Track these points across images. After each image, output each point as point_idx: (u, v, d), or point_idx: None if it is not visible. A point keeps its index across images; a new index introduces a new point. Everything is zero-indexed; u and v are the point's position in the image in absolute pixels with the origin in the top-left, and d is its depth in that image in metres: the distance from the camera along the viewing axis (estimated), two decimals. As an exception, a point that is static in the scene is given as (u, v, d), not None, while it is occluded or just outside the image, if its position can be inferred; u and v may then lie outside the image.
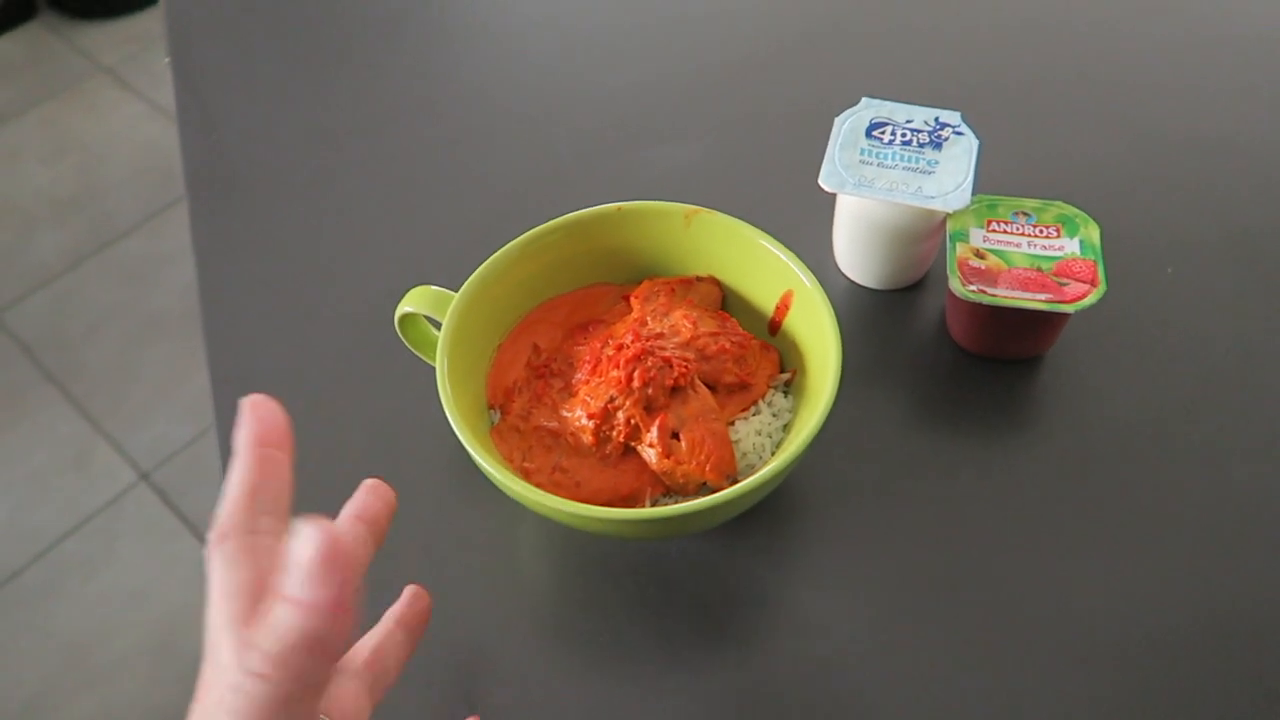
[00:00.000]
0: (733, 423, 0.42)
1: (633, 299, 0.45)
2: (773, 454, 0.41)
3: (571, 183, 0.58)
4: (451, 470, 0.45)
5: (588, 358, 0.42)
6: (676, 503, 0.39)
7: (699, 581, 0.42)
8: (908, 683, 0.39)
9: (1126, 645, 0.40)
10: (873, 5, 0.68)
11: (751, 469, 0.41)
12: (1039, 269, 0.46)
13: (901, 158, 0.48)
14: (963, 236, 0.47)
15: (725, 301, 0.46)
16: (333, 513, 0.35)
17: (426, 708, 0.40)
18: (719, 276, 0.46)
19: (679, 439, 0.39)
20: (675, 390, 0.40)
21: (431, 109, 0.62)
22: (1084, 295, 0.44)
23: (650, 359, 0.40)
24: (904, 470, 0.45)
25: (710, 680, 0.40)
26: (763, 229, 0.44)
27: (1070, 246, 0.47)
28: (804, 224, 0.52)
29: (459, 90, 0.63)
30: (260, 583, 0.25)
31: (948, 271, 0.45)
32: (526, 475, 0.40)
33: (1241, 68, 0.62)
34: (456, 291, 0.42)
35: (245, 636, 0.24)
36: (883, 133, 0.49)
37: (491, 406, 0.43)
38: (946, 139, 0.48)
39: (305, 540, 0.20)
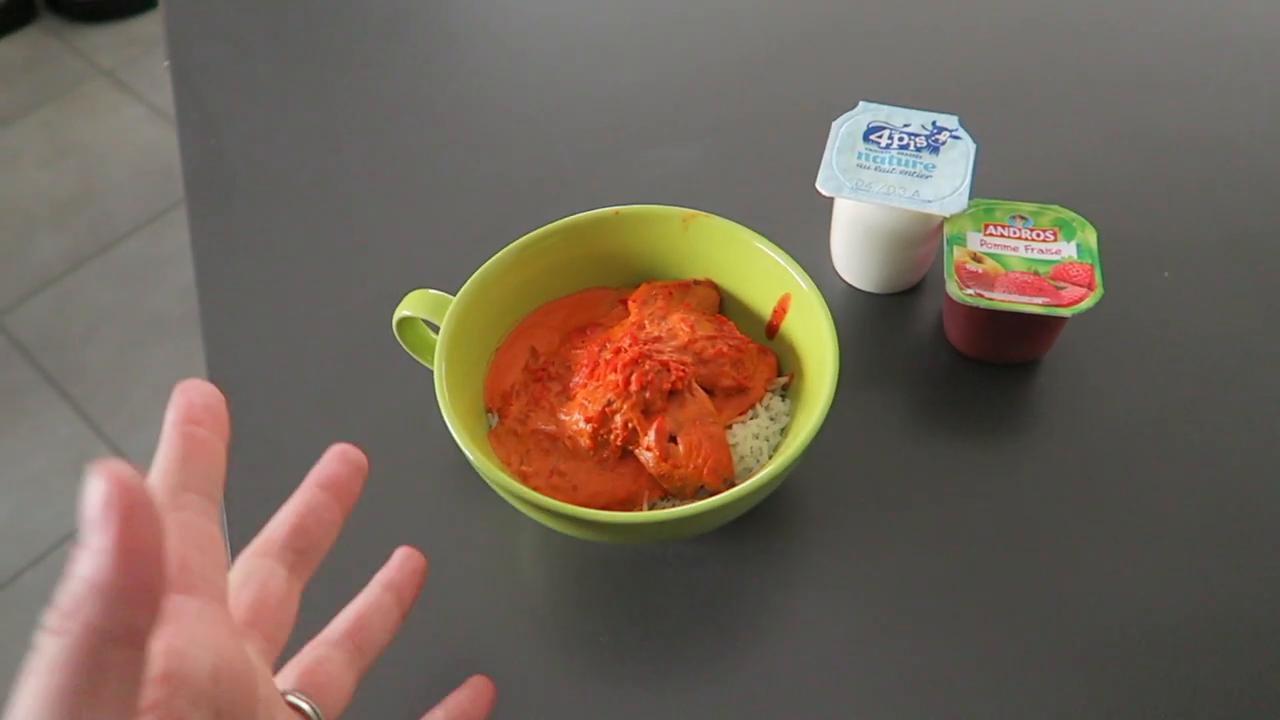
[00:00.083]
0: (730, 426, 0.42)
1: (630, 302, 0.45)
2: (770, 458, 0.41)
3: (569, 186, 0.58)
4: (449, 473, 0.46)
5: (585, 361, 0.42)
6: (674, 506, 0.40)
7: (697, 585, 0.42)
8: (907, 686, 0.40)
9: (1126, 647, 0.40)
10: (870, 9, 0.68)
11: (749, 472, 0.41)
12: (1036, 273, 0.46)
13: (899, 162, 0.48)
14: (960, 240, 0.47)
15: (723, 305, 0.46)
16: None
17: (424, 710, 0.40)
18: (716, 280, 0.46)
19: (676, 442, 0.39)
20: (673, 394, 0.40)
21: (430, 112, 0.62)
22: (1081, 299, 0.44)
23: (648, 362, 0.40)
24: (901, 474, 0.45)
25: (708, 683, 0.40)
26: (760, 233, 0.44)
27: (1067, 250, 0.47)
28: (801, 228, 0.52)
29: (457, 93, 0.64)
30: (188, 553, 0.24)
31: (945, 275, 0.46)
32: (524, 479, 0.40)
33: (1238, 70, 0.63)
34: (454, 295, 0.42)
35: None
36: (880, 137, 0.49)
37: (489, 410, 0.43)
38: (943, 143, 0.48)
39: (89, 486, 0.19)
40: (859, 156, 0.48)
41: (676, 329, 0.42)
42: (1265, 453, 0.46)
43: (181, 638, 0.23)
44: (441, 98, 0.63)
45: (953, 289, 0.45)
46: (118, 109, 1.78)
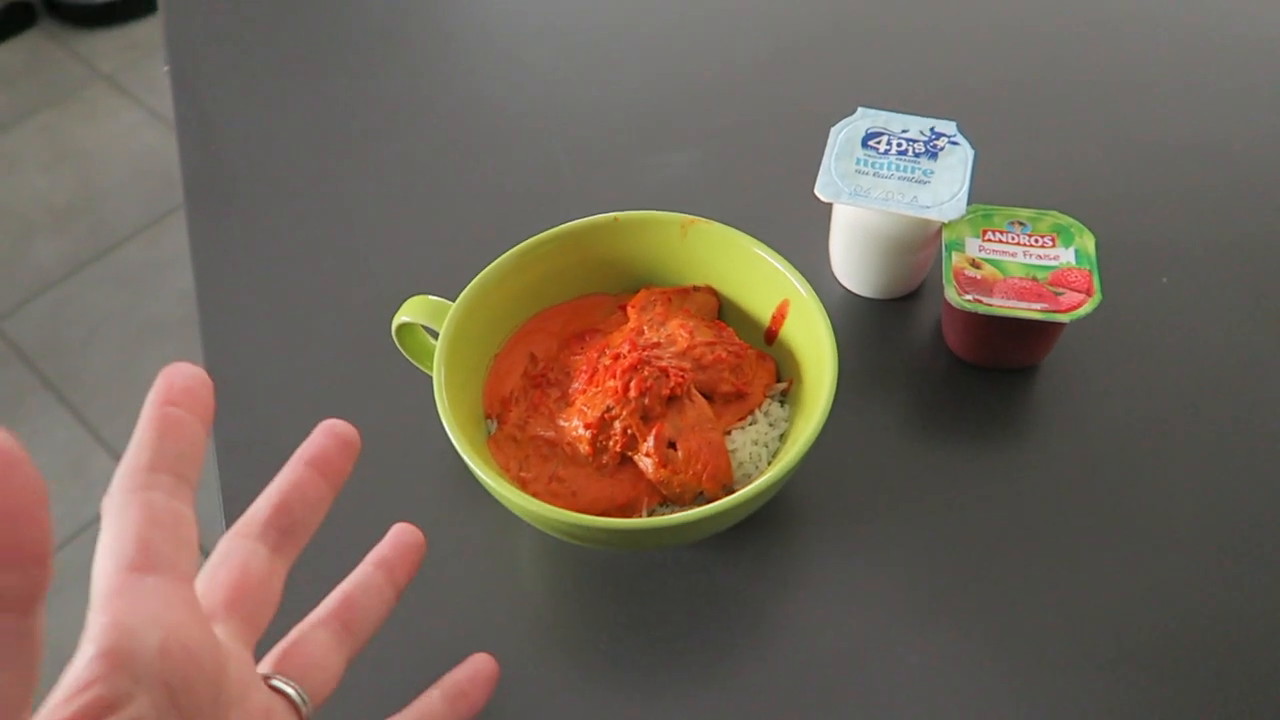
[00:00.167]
0: (729, 432, 0.42)
1: (629, 308, 0.45)
2: (769, 463, 0.41)
3: (567, 192, 0.58)
4: (447, 479, 0.46)
5: (584, 367, 0.42)
6: (673, 512, 0.40)
7: (695, 590, 0.42)
8: (906, 691, 0.39)
9: (1125, 653, 0.40)
10: (868, 15, 0.68)
11: (748, 478, 0.41)
12: (1034, 278, 0.46)
13: (897, 167, 0.48)
14: (958, 246, 0.47)
15: (721, 311, 0.46)
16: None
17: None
18: (715, 286, 0.46)
19: (676, 448, 0.39)
20: (672, 400, 0.40)
21: (428, 117, 0.63)
22: (1079, 305, 0.44)
23: (647, 368, 0.40)
24: (900, 479, 0.45)
25: (706, 689, 0.40)
26: (759, 238, 0.44)
27: (1065, 256, 0.47)
28: (800, 233, 0.52)
29: (456, 98, 0.64)
30: (150, 530, 0.23)
31: (944, 281, 0.46)
32: (523, 485, 0.40)
33: (1237, 75, 0.63)
34: (453, 301, 0.42)
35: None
36: (878, 142, 0.49)
37: (488, 416, 0.43)
38: (942, 149, 0.49)
39: None
40: (857, 162, 0.48)
41: (675, 335, 0.42)
42: (1264, 456, 0.46)
43: (128, 613, 0.22)
44: (440, 103, 0.63)
45: (951, 295, 0.45)
46: (117, 113, 1.78)
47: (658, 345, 0.42)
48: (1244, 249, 0.54)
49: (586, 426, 0.40)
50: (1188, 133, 0.59)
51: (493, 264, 0.43)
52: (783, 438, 0.42)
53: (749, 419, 0.42)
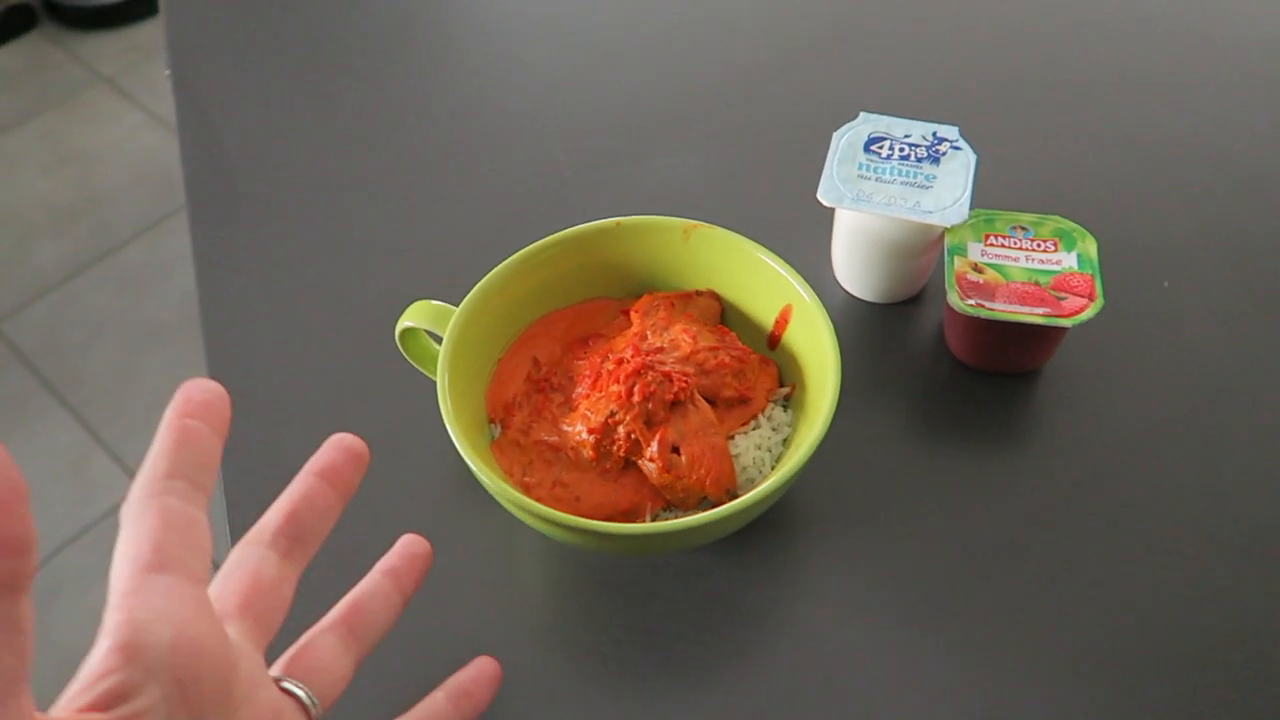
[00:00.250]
0: (732, 437, 0.42)
1: (632, 313, 0.45)
2: (773, 468, 0.41)
3: (570, 197, 0.58)
4: (450, 483, 0.46)
5: (588, 372, 0.42)
6: (677, 517, 0.40)
7: (698, 595, 0.42)
8: (907, 697, 0.40)
9: (1128, 659, 0.40)
10: (870, 20, 0.68)
11: (751, 483, 0.41)
12: (1037, 283, 0.46)
13: (899, 172, 0.48)
14: (961, 251, 0.47)
15: (724, 316, 0.46)
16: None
17: None
18: (718, 290, 0.46)
19: (679, 453, 0.40)
20: (675, 405, 0.40)
21: (431, 121, 0.63)
22: (1082, 309, 0.44)
23: (650, 373, 0.40)
24: (902, 483, 0.45)
25: (709, 694, 0.40)
26: (761, 243, 0.44)
27: (1068, 260, 0.47)
28: (802, 238, 0.52)
29: (459, 102, 0.64)
30: (165, 534, 0.25)
31: (946, 286, 0.46)
32: (527, 490, 0.40)
33: (1239, 80, 0.63)
34: (457, 306, 0.42)
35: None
36: (880, 147, 0.49)
37: (492, 421, 0.43)
38: (944, 153, 0.49)
39: None
40: (860, 167, 0.48)
41: (678, 340, 0.42)
42: (1268, 460, 0.46)
43: (141, 610, 0.24)
44: (443, 106, 0.64)
45: (954, 299, 0.45)
46: (118, 116, 1.78)
47: (661, 350, 0.42)
48: (1246, 253, 0.54)
49: (590, 431, 0.40)
50: (1189, 137, 0.60)
51: (496, 269, 0.43)
52: (786, 442, 0.42)
53: (752, 424, 0.42)
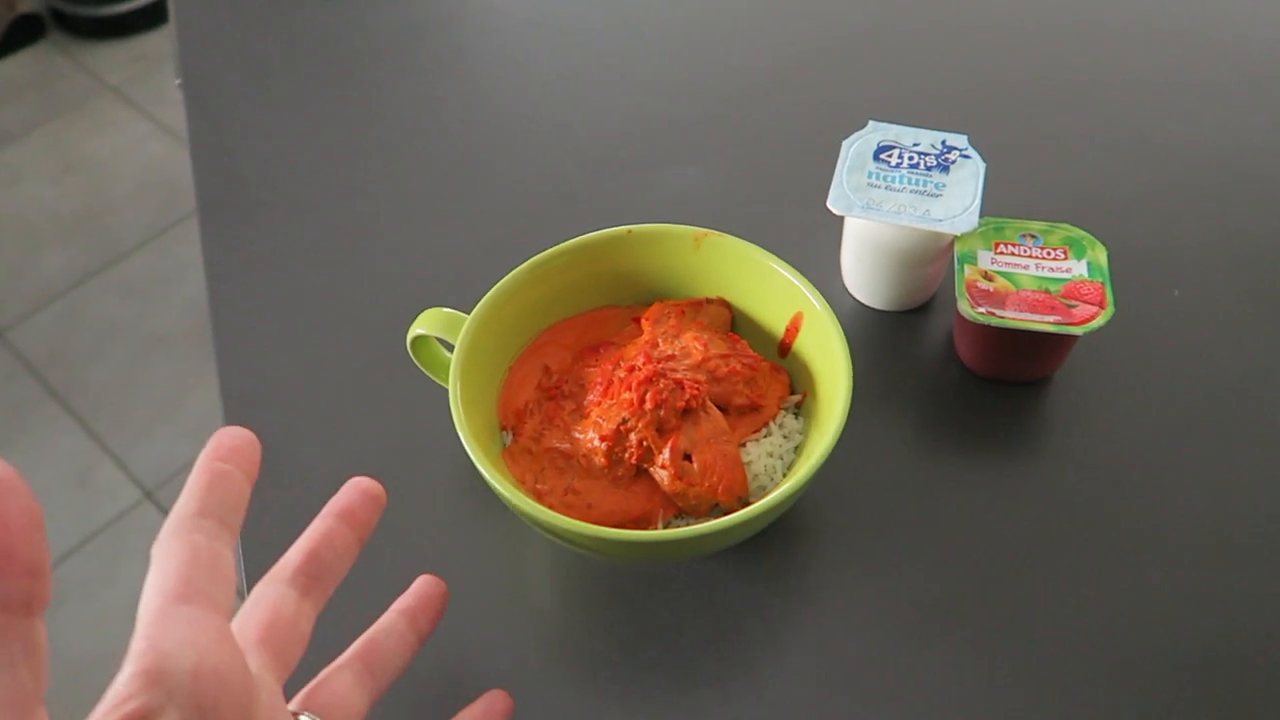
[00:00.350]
0: (744, 445, 0.42)
1: (643, 321, 0.45)
2: (784, 475, 0.41)
3: (581, 205, 0.58)
4: (461, 491, 0.46)
5: (599, 379, 0.42)
6: (689, 525, 0.40)
7: (708, 603, 0.42)
8: (921, 704, 0.39)
9: (1141, 665, 0.40)
10: (879, 29, 0.68)
11: (763, 490, 0.41)
12: (1047, 291, 0.46)
13: (909, 181, 0.48)
14: (971, 259, 0.47)
15: (735, 323, 0.46)
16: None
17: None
18: (729, 298, 0.46)
19: (691, 461, 0.40)
20: (687, 412, 0.40)
21: (442, 130, 0.63)
22: (1092, 317, 0.45)
23: (662, 381, 0.40)
24: (912, 491, 0.45)
25: (722, 703, 0.40)
26: (770, 251, 0.44)
27: (1078, 268, 0.47)
28: (811, 246, 0.52)
29: (469, 111, 0.64)
30: (192, 568, 0.26)
31: (956, 294, 0.46)
32: (539, 497, 0.40)
33: (1251, 88, 0.63)
34: (468, 313, 0.42)
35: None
36: (890, 156, 0.49)
37: (503, 428, 0.43)
38: (953, 162, 0.49)
39: None
40: (869, 175, 0.48)
41: (690, 347, 0.42)
42: (1277, 473, 0.46)
43: (165, 638, 0.25)
44: (454, 114, 0.64)
45: (964, 307, 0.45)
46: (124, 125, 1.79)
47: (672, 358, 0.42)
48: (1256, 261, 0.54)
49: (602, 439, 0.40)
50: (1199, 144, 0.60)
51: (507, 277, 0.43)
52: (797, 450, 0.42)
53: (763, 431, 0.42)
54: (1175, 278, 0.53)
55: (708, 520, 0.39)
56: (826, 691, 0.40)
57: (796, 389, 0.44)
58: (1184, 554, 0.43)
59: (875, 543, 0.44)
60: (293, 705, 0.32)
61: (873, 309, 0.52)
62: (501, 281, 0.43)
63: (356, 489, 0.34)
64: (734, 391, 0.42)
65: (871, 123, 0.51)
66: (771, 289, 0.44)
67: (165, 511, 1.30)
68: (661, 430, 0.40)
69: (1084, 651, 0.41)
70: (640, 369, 0.41)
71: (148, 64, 1.89)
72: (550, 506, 0.39)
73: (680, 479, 0.39)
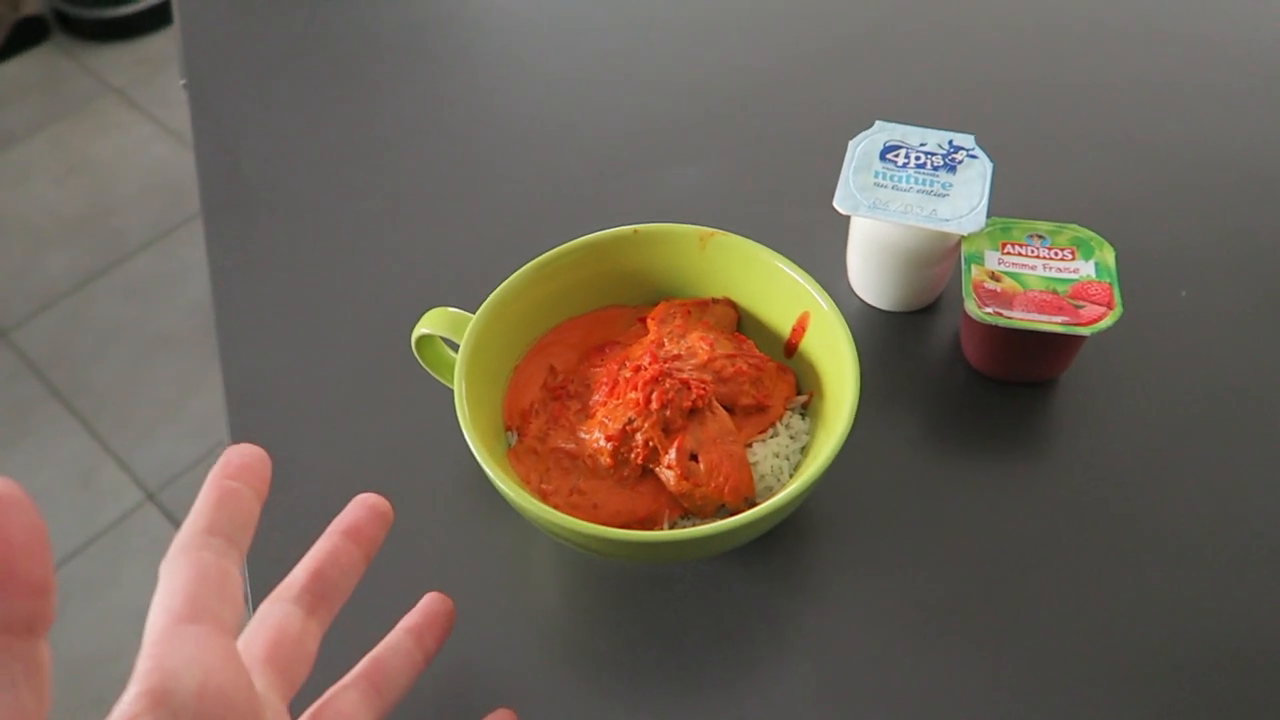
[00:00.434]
0: (750, 445, 0.41)
1: (649, 320, 0.45)
2: (791, 476, 0.41)
3: (586, 204, 0.58)
4: (465, 491, 0.45)
5: (605, 379, 0.42)
6: (694, 525, 0.39)
7: (713, 605, 0.42)
8: (925, 706, 0.39)
9: (1146, 669, 0.40)
10: (886, 29, 0.68)
11: (769, 491, 0.41)
12: (1054, 291, 0.46)
13: (916, 180, 0.48)
14: (978, 259, 0.47)
15: (741, 323, 0.46)
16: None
17: (442, 731, 0.39)
18: (735, 298, 0.46)
19: (697, 461, 0.39)
20: (693, 412, 0.40)
21: (447, 130, 0.63)
22: (1100, 318, 0.44)
23: (668, 380, 0.40)
24: (917, 493, 0.45)
25: (727, 704, 0.39)
26: (776, 251, 0.44)
27: (1085, 269, 0.47)
28: (817, 246, 0.52)
29: (475, 111, 0.64)
30: (199, 586, 0.26)
31: (963, 294, 0.46)
32: (544, 497, 0.40)
33: (1258, 88, 0.63)
34: (473, 313, 0.42)
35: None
36: (897, 156, 0.49)
37: (508, 428, 0.43)
38: (960, 162, 0.49)
39: None
40: (876, 175, 0.48)
41: (696, 347, 0.42)
42: (1286, 473, 0.45)
43: (171, 657, 0.25)
44: (459, 115, 0.64)
45: (971, 308, 0.45)
46: (128, 127, 1.79)
47: (678, 357, 0.42)
48: (1264, 262, 0.53)
49: (608, 439, 0.40)
50: (1207, 145, 0.59)
51: (512, 276, 0.43)
52: (803, 450, 0.42)
53: (770, 432, 0.42)
54: (1182, 279, 0.53)
55: (714, 521, 0.39)
56: (831, 693, 0.40)
57: (803, 389, 0.44)
58: (1190, 555, 0.43)
59: (881, 544, 0.44)
60: None
61: (878, 309, 0.52)
62: (507, 281, 0.43)
63: (363, 506, 0.34)
64: (740, 392, 0.42)
65: (878, 122, 0.51)
66: (778, 289, 0.44)
67: (168, 513, 1.30)
68: (667, 430, 0.40)
69: (1090, 653, 0.40)
70: (646, 369, 0.40)
71: (152, 66, 1.89)
72: (555, 507, 0.38)
73: (686, 479, 0.39)
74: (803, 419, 0.43)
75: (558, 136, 0.62)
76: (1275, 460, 0.46)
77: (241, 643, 0.30)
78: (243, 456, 0.29)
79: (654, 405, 0.39)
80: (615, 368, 0.42)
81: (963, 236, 0.47)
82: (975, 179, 0.48)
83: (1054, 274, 0.47)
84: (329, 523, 0.34)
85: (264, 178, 0.60)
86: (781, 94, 0.64)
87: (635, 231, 0.45)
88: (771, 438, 0.42)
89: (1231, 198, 0.57)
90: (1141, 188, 0.57)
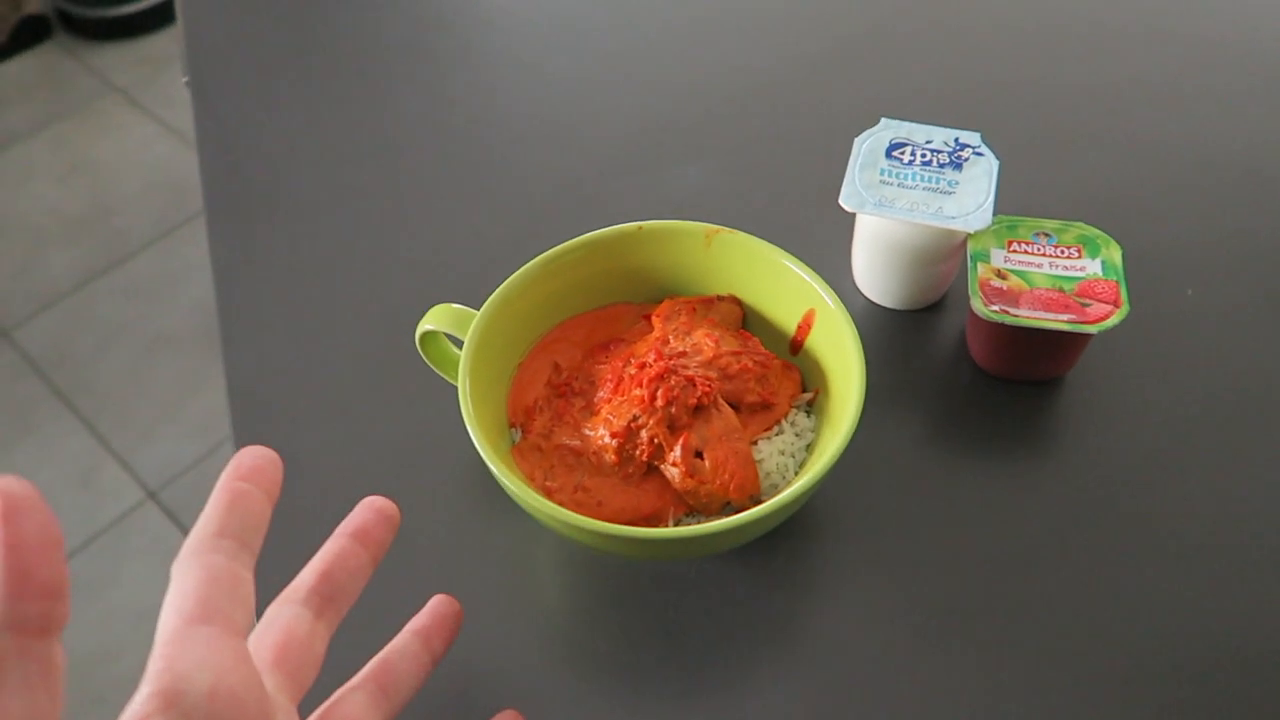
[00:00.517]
0: (755, 442, 0.41)
1: (654, 318, 0.44)
2: (796, 474, 0.41)
3: (591, 202, 0.58)
4: (469, 489, 0.45)
5: (610, 376, 0.42)
6: (699, 523, 0.39)
7: (717, 603, 0.42)
8: (929, 705, 0.39)
9: (1150, 668, 0.40)
10: (892, 26, 0.68)
11: (775, 489, 0.40)
12: (1061, 290, 0.46)
13: (922, 178, 0.48)
14: (984, 257, 0.47)
15: (746, 321, 0.46)
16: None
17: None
18: (740, 296, 0.46)
19: (702, 458, 0.39)
20: (698, 409, 0.40)
21: (452, 127, 0.63)
22: (1107, 316, 0.44)
23: (673, 377, 0.40)
24: (923, 491, 0.45)
25: (730, 701, 0.39)
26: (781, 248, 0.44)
27: (1092, 267, 0.47)
28: (821, 244, 0.52)
29: (479, 109, 0.64)
30: (210, 588, 0.26)
31: (969, 292, 0.45)
32: (549, 494, 0.40)
33: (1264, 87, 0.62)
34: (477, 310, 0.42)
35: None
36: (902, 153, 0.49)
37: (512, 425, 0.43)
38: (966, 159, 0.48)
39: None
40: (882, 173, 0.48)
41: (701, 344, 0.42)
42: (1293, 472, 0.45)
43: (182, 658, 0.25)
44: (462, 112, 0.64)
45: (978, 305, 0.45)
46: (130, 126, 1.79)
47: (684, 354, 0.41)
48: (1270, 260, 0.53)
49: (613, 435, 0.40)
50: (1213, 144, 0.59)
51: (517, 272, 0.43)
52: (809, 448, 0.42)
53: (775, 429, 0.42)
54: (1189, 277, 0.53)
55: (719, 518, 0.39)
56: (835, 692, 0.39)
57: (808, 387, 0.44)
58: (1196, 554, 0.43)
59: (885, 542, 0.43)
60: None
61: (884, 307, 0.52)
62: (512, 277, 0.43)
63: (370, 508, 0.34)
64: (745, 389, 0.41)
65: (884, 120, 0.51)
66: (783, 286, 0.44)
67: (168, 513, 1.30)
68: (673, 427, 0.39)
69: (1093, 652, 0.40)
70: (651, 365, 0.40)
71: (154, 65, 1.89)
72: (560, 504, 0.38)
73: (691, 476, 0.39)
74: (808, 417, 0.43)
75: (562, 135, 0.62)
76: (1282, 459, 0.46)
77: (250, 645, 0.30)
78: (254, 459, 0.29)
79: (659, 402, 0.39)
80: (620, 364, 0.42)
81: (969, 234, 0.47)
82: (981, 176, 0.48)
83: (1060, 272, 0.46)
84: (332, 522, 0.34)
85: (267, 176, 0.60)
86: (786, 92, 0.64)
87: (640, 228, 0.45)
88: (777, 435, 0.42)
89: (1238, 197, 0.57)
90: (1148, 186, 0.57)
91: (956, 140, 0.49)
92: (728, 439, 0.40)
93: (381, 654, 0.35)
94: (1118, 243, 0.47)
